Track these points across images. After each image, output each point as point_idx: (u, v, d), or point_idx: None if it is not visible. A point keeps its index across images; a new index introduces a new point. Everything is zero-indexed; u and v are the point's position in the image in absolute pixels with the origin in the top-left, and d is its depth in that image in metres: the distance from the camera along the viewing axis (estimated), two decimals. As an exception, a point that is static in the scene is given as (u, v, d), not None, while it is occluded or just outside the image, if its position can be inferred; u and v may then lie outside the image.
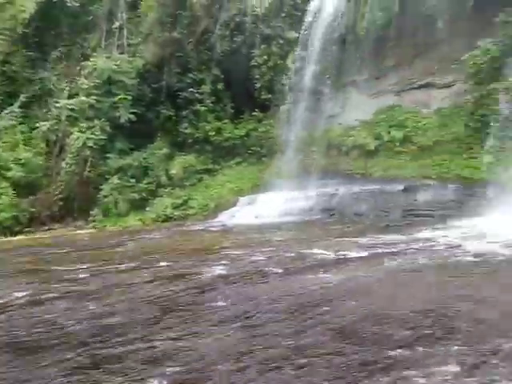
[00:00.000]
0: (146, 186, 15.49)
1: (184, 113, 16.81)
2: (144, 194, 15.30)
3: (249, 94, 16.63)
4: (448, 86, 13.12)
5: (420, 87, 13.98)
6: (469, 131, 11.45)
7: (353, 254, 7.14)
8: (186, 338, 3.61)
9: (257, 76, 16.19)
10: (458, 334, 3.39)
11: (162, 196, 15.18)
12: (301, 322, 3.90)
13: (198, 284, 5.73)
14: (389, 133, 13.28)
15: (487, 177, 10.01)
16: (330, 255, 7.21)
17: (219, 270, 6.42)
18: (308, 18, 14.85)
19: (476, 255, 6.58)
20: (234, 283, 5.70)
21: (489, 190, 9.78)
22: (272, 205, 13.27)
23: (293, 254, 7.54)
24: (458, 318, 3.82)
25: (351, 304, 4.53)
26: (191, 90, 16.68)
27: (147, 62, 16.84)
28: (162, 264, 7.37)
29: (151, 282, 6.10)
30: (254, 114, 16.73)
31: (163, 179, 15.64)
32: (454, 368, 2.74)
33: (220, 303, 4.71)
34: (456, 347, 3.08)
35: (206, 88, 16.74)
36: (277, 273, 6.20)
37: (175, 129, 16.90)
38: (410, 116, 13.54)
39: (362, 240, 8.59)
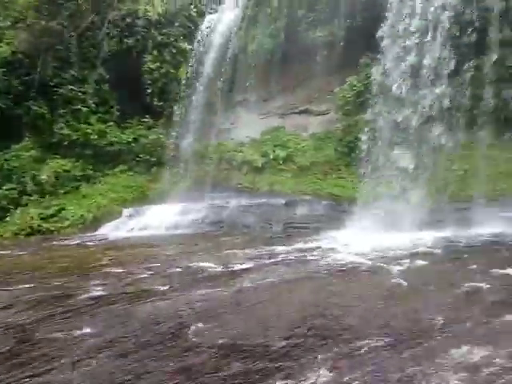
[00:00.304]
0: (6, 192, 13.21)
1: (61, 111, 15.04)
2: (4, 202, 13.01)
3: (139, 98, 15.87)
4: (323, 113, 14.88)
5: (300, 112, 15.50)
6: (338, 155, 13.15)
7: (240, 266, 7.36)
8: (43, 375, 3.13)
9: (149, 81, 15.60)
10: (328, 340, 3.76)
11: (26, 205, 13.13)
12: (182, 343, 3.80)
13: (66, 309, 5.07)
14: (274, 151, 14.27)
15: (354, 195, 11.55)
16: (219, 268, 7.28)
17: (95, 291, 5.82)
18: (203, 33, 15.07)
19: (342, 265, 7.49)
20: (111, 305, 5.22)
21: (354, 207, 11.31)
22: (161, 217, 12.79)
23: (180, 269, 7.36)
24: (328, 326, 4.26)
25: (234, 318, 4.62)
26: (71, 87, 15.06)
27: (17, 51, 14.60)
28: (23, 286, 6.32)
29: (7, 308, 5.17)
30: (144, 119, 15.99)
31: (30, 185, 13.59)
32: (326, 374, 3.01)
33: (91, 330, 4.24)
34: (328, 354, 3.40)
35: (89, 87, 15.36)
36: (161, 290, 5.94)
37: (49, 128, 14.95)
38: (292, 138, 14.85)
39: (249, 251, 8.94)
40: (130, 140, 15.45)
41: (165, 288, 6.03)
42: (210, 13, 16.54)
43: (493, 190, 9.72)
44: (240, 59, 15.40)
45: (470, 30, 10.52)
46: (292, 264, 7.62)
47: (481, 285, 5.72)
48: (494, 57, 10.48)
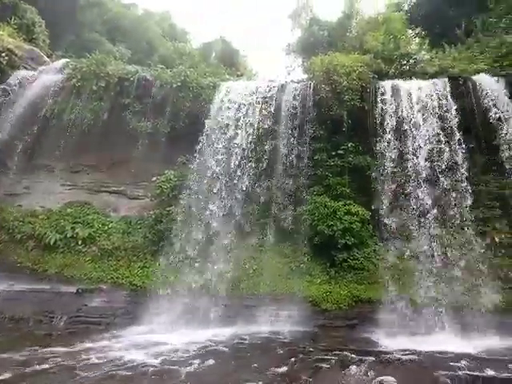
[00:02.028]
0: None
1: None
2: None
3: None
4: (137, 198, 14.69)
5: (113, 192, 14.83)
6: (147, 242, 12.89)
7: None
8: None
9: None
10: None
11: None
12: None
13: None
14: (73, 229, 12.75)
15: (157, 286, 11.25)
16: None
17: None
18: (12, 87, 13.30)
19: (128, 368, 6.82)
20: None
21: (155, 299, 10.94)
22: None
23: None
24: None
25: None
26: None
27: None
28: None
29: None
30: None
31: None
32: None
33: None
34: None
35: None
36: None
37: None
38: (99, 217, 13.78)
39: (8, 356, 7.05)
40: None
41: None
42: (26, 68, 14.98)
43: (274, 290, 11.39)
44: (53, 124, 14.06)
45: (264, 157, 13.39)
46: (62, 374, 6.41)
47: (259, 384, 6.27)
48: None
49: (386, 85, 13.48)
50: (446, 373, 6.64)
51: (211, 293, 11.11)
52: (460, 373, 6.73)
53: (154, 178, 13.78)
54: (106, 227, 13.46)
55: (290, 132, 13.81)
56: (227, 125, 13.40)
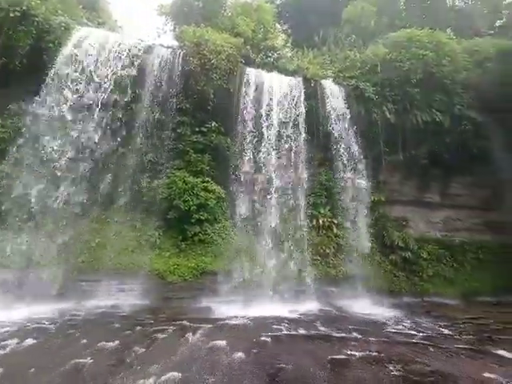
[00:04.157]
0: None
1: None
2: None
3: None
4: None
5: None
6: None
7: None
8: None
9: None
10: None
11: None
12: None
13: None
14: None
15: None
16: None
17: None
18: None
19: None
20: None
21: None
22: None
23: None
24: None
25: None
26: None
27: None
28: None
29: None
30: None
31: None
32: None
33: None
34: None
35: None
36: None
37: None
38: None
39: None
40: None
41: None
42: None
43: (118, 264, 10.80)
44: None
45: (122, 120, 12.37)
46: None
47: (85, 360, 5.87)
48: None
49: (252, 72, 14.17)
50: (269, 334, 7.63)
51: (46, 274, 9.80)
52: (279, 333, 7.84)
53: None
54: None
55: (154, 98, 13.10)
56: (78, 78, 11.74)
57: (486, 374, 5.57)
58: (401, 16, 22.04)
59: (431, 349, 7.03)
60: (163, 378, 5.34)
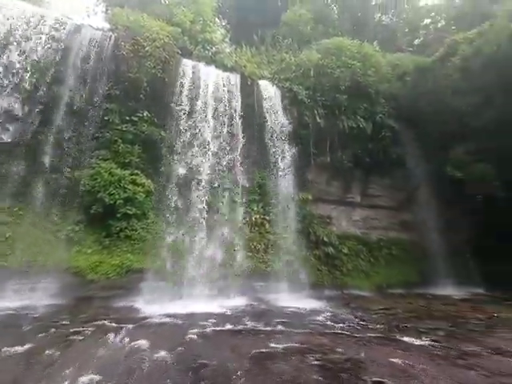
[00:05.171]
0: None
1: None
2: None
3: None
4: None
5: None
6: None
7: None
8: None
9: None
10: None
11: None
12: None
13: None
14: None
15: None
16: None
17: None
18: None
19: None
20: None
21: None
22: None
23: None
24: None
25: None
26: None
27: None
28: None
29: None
30: None
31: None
32: None
33: None
34: None
35: None
36: None
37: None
38: None
39: None
40: None
41: None
42: None
43: (32, 261, 9.82)
44: None
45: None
46: None
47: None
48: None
49: (189, 64, 13.85)
50: (196, 331, 7.57)
51: None
52: (207, 329, 7.82)
53: None
54: None
55: (79, 82, 12.14)
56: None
57: (391, 359, 6.18)
58: (334, 25, 23.28)
59: (348, 338, 7.59)
60: (80, 381, 5.00)
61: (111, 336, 6.94)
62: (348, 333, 8.03)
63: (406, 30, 27.19)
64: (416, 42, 27.20)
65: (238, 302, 11.11)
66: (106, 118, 12.44)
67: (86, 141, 12.03)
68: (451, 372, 5.63)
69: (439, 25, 27.55)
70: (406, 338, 7.67)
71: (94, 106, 12.29)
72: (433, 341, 7.44)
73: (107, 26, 13.96)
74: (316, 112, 15.33)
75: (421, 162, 16.69)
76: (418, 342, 7.36)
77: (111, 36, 12.90)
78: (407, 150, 16.74)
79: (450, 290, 14.99)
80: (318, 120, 15.27)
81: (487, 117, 14.22)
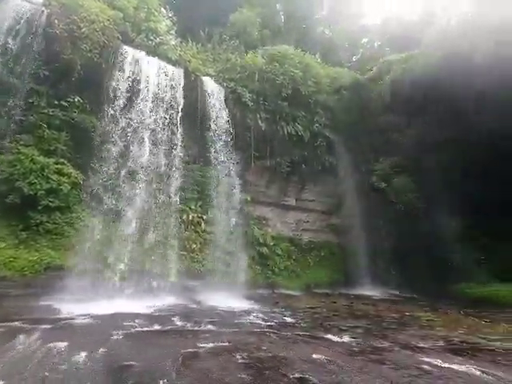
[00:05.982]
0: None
1: None
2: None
3: None
4: None
5: None
6: None
7: None
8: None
9: None
10: None
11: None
12: None
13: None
14: None
15: None
16: None
17: None
18: None
19: None
20: None
21: None
22: None
23: None
24: None
25: None
26: None
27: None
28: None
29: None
30: None
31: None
32: None
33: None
34: None
35: None
36: None
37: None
38: None
39: None
40: None
41: None
42: None
43: None
44: None
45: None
46: None
47: None
48: None
49: (130, 51, 13.20)
50: (121, 331, 7.21)
51: None
52: (133, 330, 7.50)
53: None
54: None
55: (2, 57, 10.93)
56: None
57: (314, 355, 6.51)
58: (281, 32, 23.94)
59: (274, 336, 7.82)
60: (-20, 389, 4.48)
61: (22, 338, 6.33)
62: (275, 331, 8.28)
63: (347, 45, 28.97)
64: (354, 58, 29.13)
65: (169, 301, 10.83)
66: (30, 100, 11.36)
67: (7, 123, 10.84)
68: (366, 366, 6.10)
69: (376, 44, 29.86)
70: (329, 336, 8.13)
71: (18, 87, 11.13)
72: (352, 338, 7.99)
73: (40, 0, 12.75)
74: (259, 116, 15.60)
75: (351, 171, 17.91)
76: (339, 339, 7.85)
77: (43, 11, 11.81)
78: (339, 159, 17.83)
79: (370, 291, 16.26)
80: (260, 124, 15.55)
81: (409, 135, 15.78)
